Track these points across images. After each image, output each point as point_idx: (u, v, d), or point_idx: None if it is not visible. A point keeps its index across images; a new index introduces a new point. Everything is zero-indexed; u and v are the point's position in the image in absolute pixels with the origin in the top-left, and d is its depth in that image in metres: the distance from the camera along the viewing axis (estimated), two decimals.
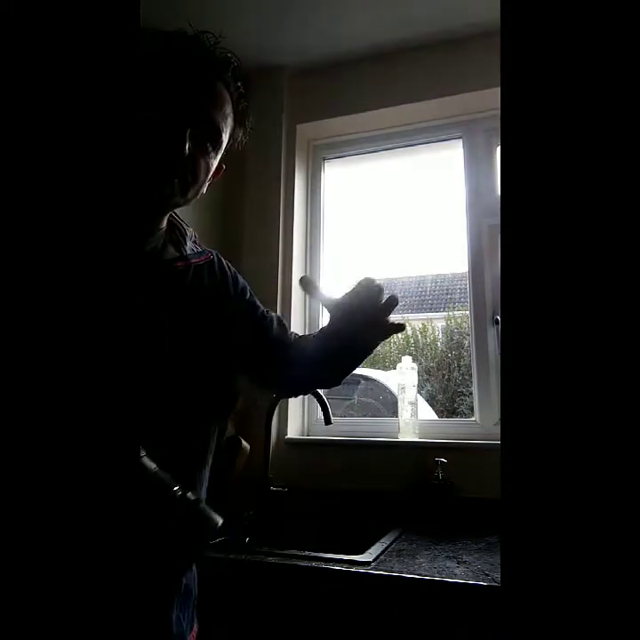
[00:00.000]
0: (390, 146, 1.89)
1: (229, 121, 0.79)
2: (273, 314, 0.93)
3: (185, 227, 0.86)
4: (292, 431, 1.71)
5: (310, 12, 1.58)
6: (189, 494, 0.59)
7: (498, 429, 1.55)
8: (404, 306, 2.45)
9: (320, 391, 1.52)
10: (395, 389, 1.74)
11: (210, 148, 0.76)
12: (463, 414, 1.80)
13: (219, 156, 0.80)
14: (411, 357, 1.68)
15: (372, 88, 1.78)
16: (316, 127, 1.89)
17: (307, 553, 1.13)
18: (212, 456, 0.82)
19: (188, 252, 0.82)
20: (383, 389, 1.98)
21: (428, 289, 2.62)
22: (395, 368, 1.74)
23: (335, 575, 1.04)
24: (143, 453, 0.57)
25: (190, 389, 0.76)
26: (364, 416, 1.90)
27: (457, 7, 1.55)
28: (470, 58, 1.66)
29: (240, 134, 0.83)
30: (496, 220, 1.65)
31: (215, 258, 0.88)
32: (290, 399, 1.69)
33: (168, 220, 0.82)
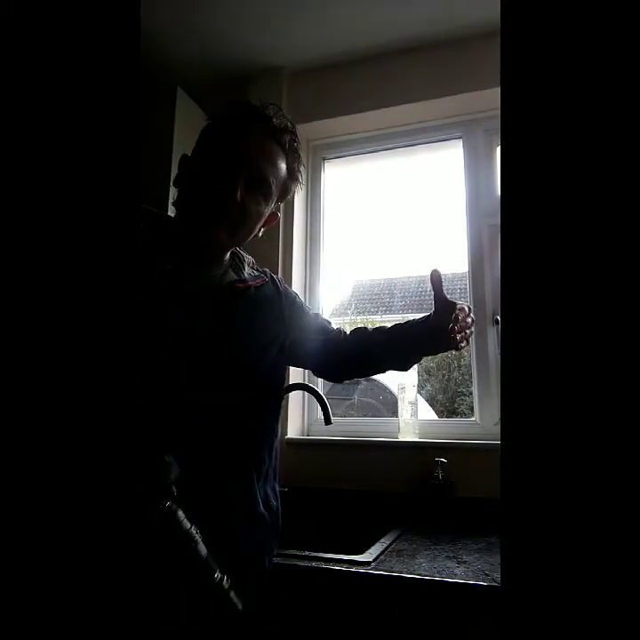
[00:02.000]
0: (390, 146, 1.89)
1: (281, 175, 0.91)
2: (320, 316, 1.11)
3: (243, 255, 0.99)
4: (292, 431, 1.71)
5: (310, 12, 1.58)
6: (225, 581, 0.69)
7: (498, 429, 1.54)
8: (404, 306, 2.45)
9: (320, 391, 1.52)
10: (395, 389, 1.74)
11: (260, 198, 0.88)
12: (463, 414, 1.79)
13: (270, 205, 0.92)
14: None
15: (371, 88, 1.77)
16: (315, 127, 1.88)
17: (307, 553, 1.13)
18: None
19: (246, 275, 0.95)
20: (383, 389, 1.97)
21: (429, 289, 2.60)
22: None
23: (335, 575, 1.04)
24: (199, 539, 0.67)
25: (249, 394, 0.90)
26: (364, 416, 1.90)
27: (457, 7, 1.55)
28: (470, 58, 1.66)
29: (293, 187, 0.96)
30: (496, 220, 1.65)
31: (269, 278, 1.01)
32: (290, 400, 1.69)
33: (231, 251, 0.96)
